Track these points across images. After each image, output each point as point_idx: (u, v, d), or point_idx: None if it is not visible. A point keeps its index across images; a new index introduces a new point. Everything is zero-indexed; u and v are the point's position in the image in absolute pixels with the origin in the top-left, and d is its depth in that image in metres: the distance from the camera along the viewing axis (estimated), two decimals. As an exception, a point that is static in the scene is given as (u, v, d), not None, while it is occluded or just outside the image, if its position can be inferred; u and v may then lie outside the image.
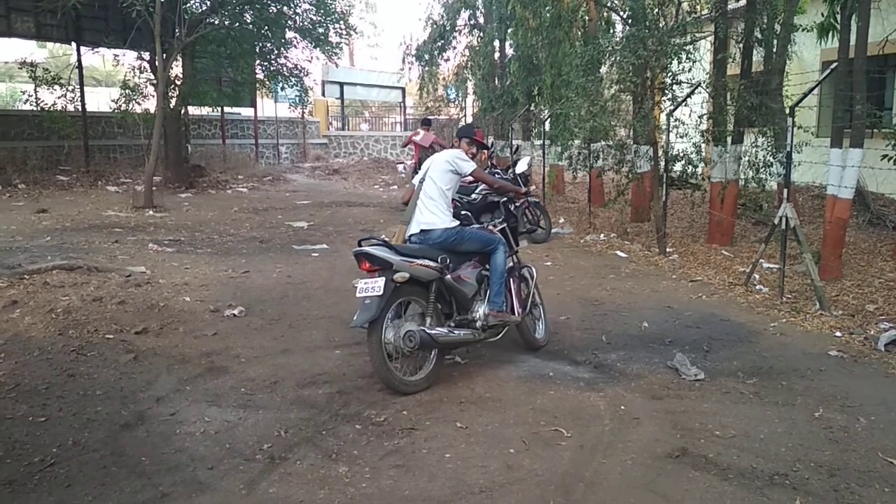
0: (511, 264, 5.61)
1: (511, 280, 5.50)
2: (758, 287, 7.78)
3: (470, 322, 5.20)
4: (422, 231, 5.19)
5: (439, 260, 4.93)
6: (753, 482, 3.58)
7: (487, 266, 5.34)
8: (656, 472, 3.67)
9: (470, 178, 5.72)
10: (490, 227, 5.65)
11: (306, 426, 4.22)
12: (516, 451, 3.89)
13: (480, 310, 5.24)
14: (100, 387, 4.76)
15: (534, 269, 6.05)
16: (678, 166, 10.13)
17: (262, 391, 4.78)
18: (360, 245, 4.84)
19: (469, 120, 21.89)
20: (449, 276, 4.98)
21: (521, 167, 10.09)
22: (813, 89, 7.15)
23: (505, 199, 6.51)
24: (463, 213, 5.69)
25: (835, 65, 7.36)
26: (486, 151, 16.49)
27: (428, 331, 4.77)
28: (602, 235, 11.20)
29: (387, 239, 5.09)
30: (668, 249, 9.68)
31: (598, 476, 3.63)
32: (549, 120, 13.83)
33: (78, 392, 4.66)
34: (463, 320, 5.18)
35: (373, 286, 4.62)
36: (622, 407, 4.55)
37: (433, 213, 5.21)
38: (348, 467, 3.70)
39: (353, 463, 3.75)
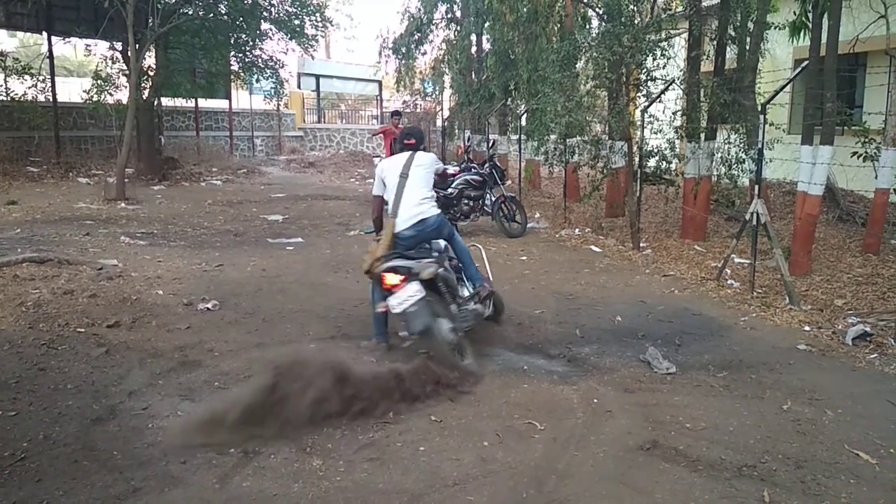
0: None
1: None
2: (729, 282, 7.87)
3: (466, 303, 5.34)
4: (420, 221, 5.25)
5: (435, 255, 5.17)
6: (722, 473, 3.64)
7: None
8: (628, 465, 3.72)
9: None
10: None
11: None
12: (490, 444, 3.92)
13: (466, 290, 5.44)
14: (71, 381, 4.71)
15: None
16: (652, 162, 10.22)
17: (236, 385, 4.74)
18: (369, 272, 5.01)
19: (446, 114, 21.86)
20: (440, 269, 5.08)
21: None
22: (784, 87, 7.25)
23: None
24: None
25: (806, 63, 7.45)
26: (461, 146, 16.54)
27: (456, 321, 5.03)
28: (577, 230, 11.27)
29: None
30: (641, 244, 9.76)
31: (571, 468, 3.67)
32: (525, 115, 13.88)
33: (49, 386, 4.61)
34: (463, 302, 5.32)
35: (411, 294, 4.71)
36: (595, 400, 4.60)
37: (425, 204, 5.33)
38: (322, 461, 3.70)
39: (327, 456, 3.75)
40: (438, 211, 5.43)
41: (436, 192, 10.34)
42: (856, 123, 10.56)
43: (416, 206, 5.29)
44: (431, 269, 4.85)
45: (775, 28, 10.50)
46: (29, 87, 17.08)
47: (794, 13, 9.55)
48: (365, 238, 9.16)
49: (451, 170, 11.37)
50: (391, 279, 4.79)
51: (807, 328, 6.28)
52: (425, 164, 5.50)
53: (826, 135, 7.76)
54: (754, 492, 3.46)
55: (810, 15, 8.69)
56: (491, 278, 5.98)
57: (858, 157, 8.30)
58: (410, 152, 5.54)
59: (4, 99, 17.13)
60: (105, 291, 6.72)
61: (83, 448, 3.79)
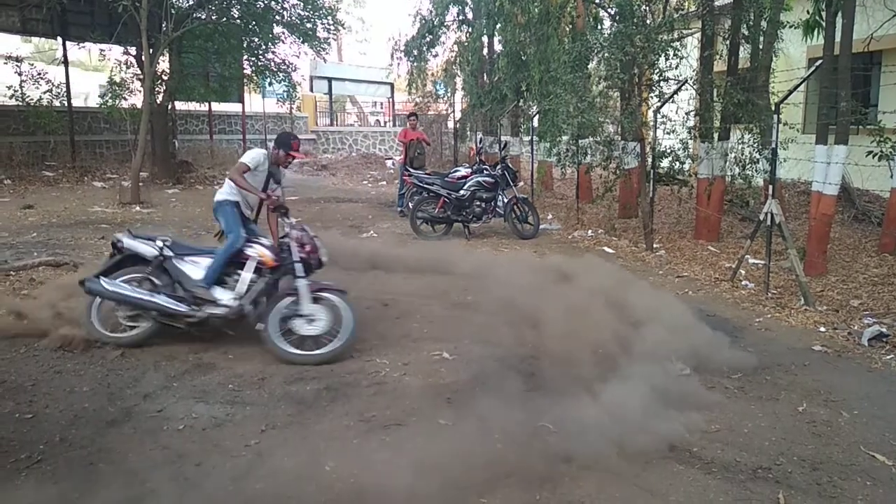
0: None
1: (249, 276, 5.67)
2: (744, 283, 7.83)
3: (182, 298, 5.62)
4: None
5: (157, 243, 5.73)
6: (737, 476, 3.62)
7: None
8: (641, 466, 3.70)
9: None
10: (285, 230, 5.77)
11: (294, 422, 4.23)
12: (503, 447, 3.91)
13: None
14: (87, 383, 4.75)
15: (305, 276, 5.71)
16: (665, 163, 10.18)
17: (250, 387, 4.78)
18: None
19: (458, 116, 21.86)
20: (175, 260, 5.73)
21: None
22: (798, 86, 7.19)
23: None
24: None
25: (820, 62, 7.40)
26: (473, 147, 16.52)
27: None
28: (590, 231, 11.24)
29: None
30: (655, 245, 9.73)
31: (584, 470, 3.65)
32: (537, 116, 13.86)
33: (65, 389, 4.65)
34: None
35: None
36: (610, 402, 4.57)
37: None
38: (336, 463, 3.70)
39: (340, 459, 3.75)
40: (217, 199, 5.94)
41: (448, 193, 10.54)
42: (871, 122, 10.46)
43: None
44: (129, 245, 5.61)
45: (789, 27, 10.44)
46: (44, 93, 17.23)
47: (808, 12, 9.50)
48: (375, 238, 9.16)
49: (463, 171, 11.38)
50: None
51: (822, 329, 6.24)
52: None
53: (841, 134, 7.70)
54: (769, 494, 3.45)
55: (824, 13, 8.63)
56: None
57: (874, 157, 8.22)
58: None
59: (20, 104, 17.27)
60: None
61: (99, 450, 3.82)
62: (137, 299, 5.42)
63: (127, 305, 5.48)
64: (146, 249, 5.58)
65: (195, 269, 5.60)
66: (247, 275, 5.54)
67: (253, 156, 5.79)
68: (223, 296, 5.52)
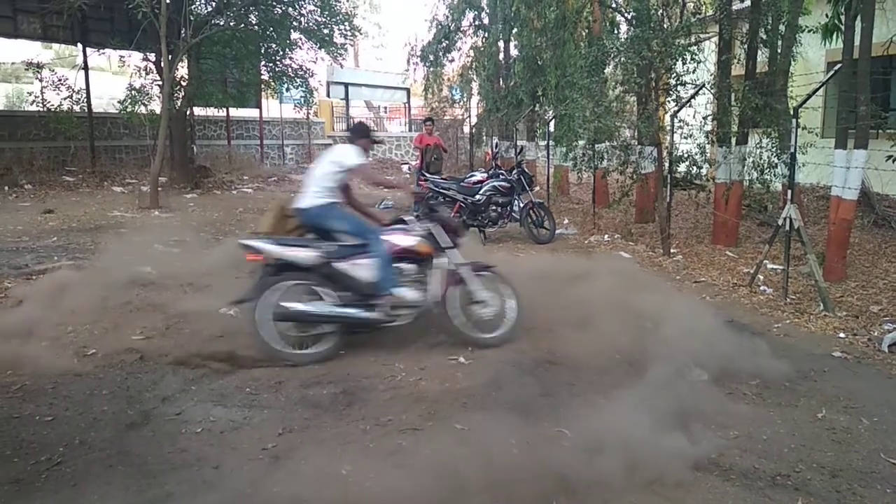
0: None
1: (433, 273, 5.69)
2: (762, 288, 7.78)
3: (366, 305, 5.49)
4: (299, 209, 5.65)
5: (322, 250, 5.43)
6: (755, 483, 3.59)
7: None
8: (657, 473, 3.68)
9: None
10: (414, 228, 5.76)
11: (311, 426, 4.24)
12: (518, 452, 3.90)
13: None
14: (106, 386, 4.79)
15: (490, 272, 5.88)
16: (682, 167, 10.13)
17: (267, 391, 4.80)
18: None
19: (474, 121, 21.87)
20: (339, 264, 5.42)
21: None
22: (817, 90, 7.15)
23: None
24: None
25: (839, 66, 7.35)
26: (489, 152, 16.53)
27: (294, 307, 5.36)
28: (606, 236, 11.21)
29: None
30: (672, 250, 9.68)
31: (601, 475, 3.64)
32: (553, 121, 13.85)
33: (84, 392, 4.69)
34: (360, 302, 5.50)
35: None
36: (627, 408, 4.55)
37: (309, 195, 5.62)
38: (352, 467, 3.71)
39: (356, 463, 3.76)
40: (321, 203, 5.52)
41: (464, 198, 10.55)
42: (890, 126, 10.38)
43: (304, 194, 5.63)
44: (283, 258, 5.24)
45: (807, 31, 10.37)
46: (64, 98, 17.43)
47: (827, 15, 9.42)
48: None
49: (479, 176, 11.38)
50: (248, 256, 5.30)
51: (842, 335, 6.18)
52: (334, 157, 5.67)
53: (860, 138, 7.63)
54: (788, 501, 3.42)
55: (843, 17, 8.57)
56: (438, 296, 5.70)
57: (893, 161, 8.14)
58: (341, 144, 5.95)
59: (41, 110, 17.49)
60: (139, 298, 6.83)
61: (118, 453, 3.85)
62: (329, 315, 5.33)
63: (311, 322, 5.35)
64: (304, 256, 5.27)
65: (362, 270, 5.38)
66: (432, 272, 5.64)
67: (355, 152, 5.66)
68: (411, 295, 5.48)
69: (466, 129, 23.52)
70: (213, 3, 17.15)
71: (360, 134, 5.99)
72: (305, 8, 17.95)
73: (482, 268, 5.75)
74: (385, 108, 33.97)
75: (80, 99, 17.82)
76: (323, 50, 18.75)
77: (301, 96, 20.52)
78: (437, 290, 5.56)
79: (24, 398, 4.54)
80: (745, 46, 10.29)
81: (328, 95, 28.43)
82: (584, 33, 13.74)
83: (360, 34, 20.23)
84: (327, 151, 5.91)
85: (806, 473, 3.69)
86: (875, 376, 5.26)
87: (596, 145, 11.43)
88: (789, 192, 7.30)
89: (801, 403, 4.67)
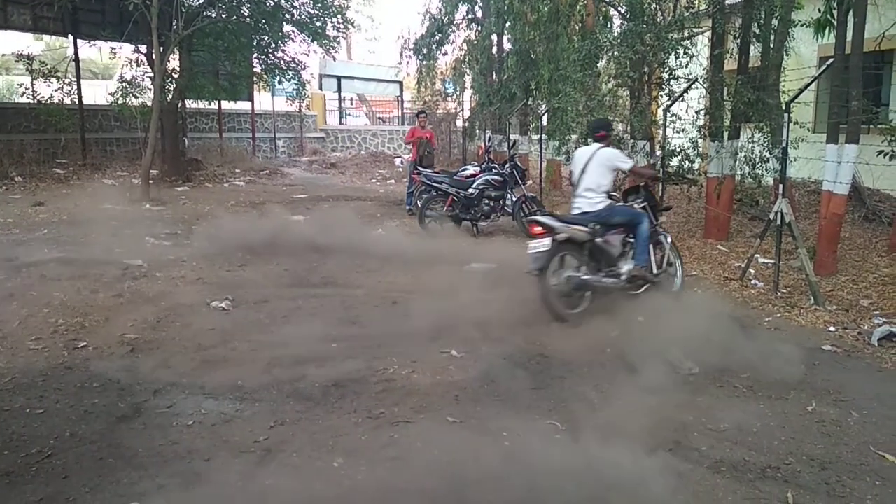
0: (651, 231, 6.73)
1: (651, 247, 6.67)
2: (753, 282, 7.81)
3: (616, 274, 6.42)
4: (581, 213, 6.56)
5: (589, 226, 6.27)
6: (745, 475, 3.61)
7: (632, 234, 6.57)
8: (649, 467, 3.69)
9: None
10: (633, 205, 6.84)
11: (302, 419, 4.24)
12: (510, 445, 3.91)
13: (625, 266, 6.46)
14: (97, 379, 4.77)
15: (669, 236, 7.13)
16: (675, 161, 10.15)
17: (258, 384, 4.78)
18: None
19: (467, 115, 21.84)
20: (598, 239, 6.32)
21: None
22: (809, 85, 7.17)
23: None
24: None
25: (831, 60, 7.36)
26: (482, 146, 16.53)
27: (582, 276, 6.21)
28: (599, 230, 11.20)
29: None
30: (664, 244, 9.68)
31: (592, 469, 3.65)
32: (546, 114, 13.84)
33: (75, 384, 4.68)
34: (610, 272, 6.41)
35: (541, 244, 6.10)
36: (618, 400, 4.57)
37: (586, 198, 6.59)
38: (344, 459, 3.72)
39: (348, 455, 3.76)
40: (603, 204, 6.48)
41: (457, 192, 10.55)
42: (882, 121, 10.41)
43: (580, 197, 6.62)
44: (566, 234, 6.13)
45: (800, 25, 10.38)
46: (55, 90, 17.31)
47: (819, 10, 9.44)
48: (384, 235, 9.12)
49: (472, 170, 11.37)
50: (534, 228, 6.24)
51: (832, 329, 6.22)
52: (601, 160, 6.56)
53: (852, 133, 7.66)
54: (778, 494, 3.44)
55: (835, 12, 8.58)
56: (677, 263, 7.07)
57: (885, 156, 8.17)
58: (597, 146, 6.72)
59: (31, 102, 17.37)
60: (130, 291, 6.81)
61: (109, 445, 3.85)
62: (598, 283, 6.32)
63: (584, 289, 6.28)
64: (580, 234, 6.23)
65: (613, 248, 6.46)
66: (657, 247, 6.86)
67: (619, 153, 6.87)
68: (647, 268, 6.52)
69: (459, 123, 23.47)
70: (205, -5, 17.06)
71: (603, 127, 6.96)
72: (298, 0, 17.88)
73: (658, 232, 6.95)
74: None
75: (70, 91, 17.69)
76: (315, 43, 18.66)
77: (293, 89, 20.44)
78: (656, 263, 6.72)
79: (15, 391, 4.53)
80: (738, 41, 10.30)
81: (321, 88, 28.35)
82: (577, 27, 13.73)
83: (353, 27, 20.13)
84: (587, 154, 6.74)
85: (796, 466, 3.71)
86: (865, 370, 5.29)
87: (588, 139, 11.43)
88: (781, 186, 7.33)
89: (792, 396, 4.70)
